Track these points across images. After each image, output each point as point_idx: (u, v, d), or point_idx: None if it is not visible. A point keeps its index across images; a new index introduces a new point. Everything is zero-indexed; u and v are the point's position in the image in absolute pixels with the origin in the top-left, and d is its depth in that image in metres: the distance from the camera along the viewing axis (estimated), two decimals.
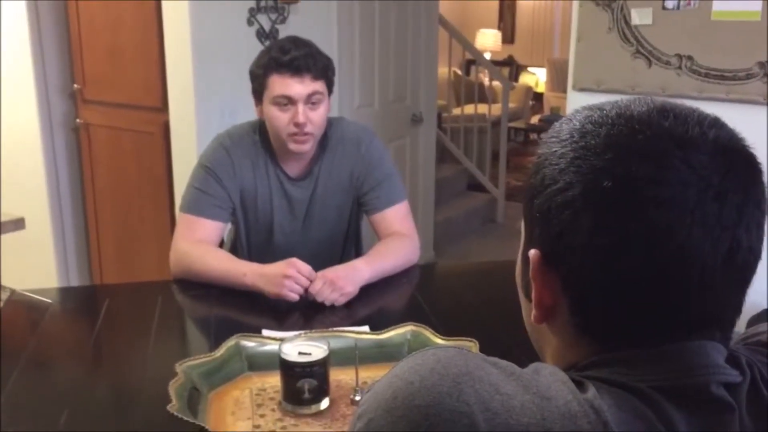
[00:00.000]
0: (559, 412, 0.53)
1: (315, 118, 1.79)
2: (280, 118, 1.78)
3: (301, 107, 1.76)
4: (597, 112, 0.61)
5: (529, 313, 0.65)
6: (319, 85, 1.78)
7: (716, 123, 0.59)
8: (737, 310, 0.60)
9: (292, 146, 1.81)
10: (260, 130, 1.88)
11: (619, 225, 0.55)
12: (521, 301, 0.70)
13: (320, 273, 1.67)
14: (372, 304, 1.72)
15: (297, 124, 1.76)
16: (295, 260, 1.67)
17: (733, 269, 0.56)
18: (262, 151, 1.88)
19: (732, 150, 0.58)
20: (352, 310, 1.66)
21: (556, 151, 0.60)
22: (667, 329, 0.57)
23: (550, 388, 0.55)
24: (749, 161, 0.58)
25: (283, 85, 1.75)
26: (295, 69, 1.74)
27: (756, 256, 0.58)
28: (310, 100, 1.77)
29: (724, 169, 0.55)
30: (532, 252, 0.62)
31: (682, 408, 0.55)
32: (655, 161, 0.55)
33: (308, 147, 1.83)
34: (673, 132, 0.57)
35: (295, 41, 1.80)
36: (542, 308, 0.63)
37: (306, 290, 1.65)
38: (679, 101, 0.61)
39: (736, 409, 0.56)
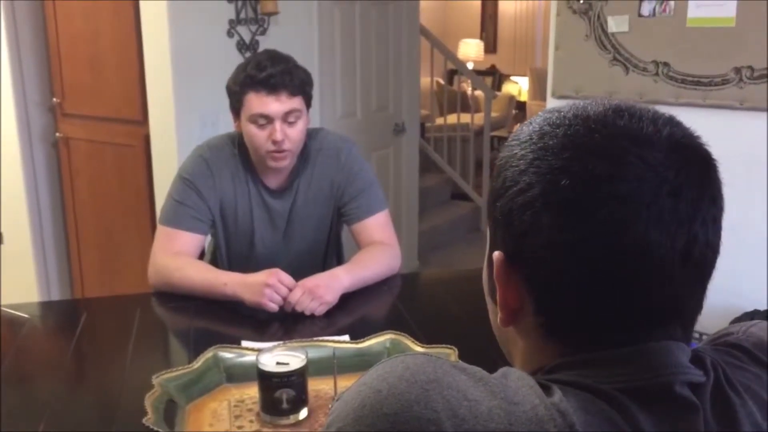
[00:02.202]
0: (526, 417, 0.53)
1: (293, 134, 1.78)
2: (258, 136, 1.77)
3: (278, 125, 1.75)
4: (555, 114, 0.62)
5: (496, 316, 0.66)
6: (297, 102, 1.77)
7: (671, 121, 0.60)
8: (698, 305, 0.60)
9: (271, 163, 1.81)
10: (239, 142, 1.87)
11: (577, 222, 0.56)
12: (488, 305, 0.70)
13: (300, 282, 1.67)
14: (353, 314, 1.71)
15: (275, 142, 1.76)
16: (277, 270, 1.66)
17: (691, 264, 0.57)
18: (242, 163, 1.87)
19: (686, 147, 0.59)
20: (332, 320, 1.65)
21: (516, 153, 0.61)
22: (629, 326, 0.58)
23: (518, 393, 0.55)
24: (704, 157, 0.59)
25: (260, 103, 1.74)
26: (271, 87, 1.73)
27: (714, 252, 0.58)
28: (288, 119, 1.77)
29: (678, 165, 0.56)
30: (496, 254, 0.62)
31: (647, 409, 0.55)
32: (611, 159, 0.56)
33: (287, 163, 1.83)
34: (628, 130, 0.58)
35: (272, 57, 1.78)
36: (508, 310, 0.63)
37: (285, 300, 1.64)
38: (656, 107, 0.62)
39: (701, 408, 0.56)
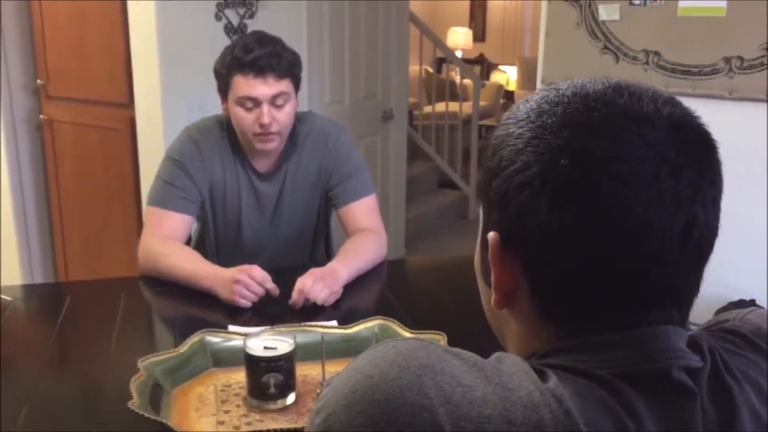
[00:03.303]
0: (521, 403, 0.52)
1: (280, 117, 1.76)
2: (245, 119, 1.75)
3: (266, 108, 1.73)
4: (553, 91, 0.61)
5: (488, 298, 0.64)
6: (285, 85, 1.75)
7: (671, 101, 0.59)
8: (695, 287, 0.59)
9: (258, 146, 1.79)
10: (227, 125, 1.85)
11: (577, 202, 0.55)
12: (480, 287, 0.69)
13: (308, 272, 1.63)
14: (341, 300, 1.70)
15: (262, 125, 1.74)
16: (248, 267, 1.61)
17: (690, 245, 0.56)
18: (230, 146, 1.85)
19: (687, 126, 0.58)
20: (320, 307, 1.64)
21: (512, 132, 0.60)
22: (626, 308, 0.57)
23: (512, 379, 0.54)
24: (704, 138, 0.58)
25: (247, 86, 1.72)
26: (258, 69, 1.70)
27: (713, 233, 0.58)
28: (275, 102, 1.74)
29: (679, 145, 0.55)
30: (491, 234, 0.61)
31: (643, 393, 0.54)
32: (612, 137, 0.55)
33: (274, 145, 1.80)
34: (629, 109, 0.57)
35: (260, 39, 1.75)
36: (502, 292, 0.62)
37: (263, 293, 1.59)
38: None
39: (698, 394, 0.56)
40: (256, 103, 1.73)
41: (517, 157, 0.58)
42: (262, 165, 1.87)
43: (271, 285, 1.60)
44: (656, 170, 0.54)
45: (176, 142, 1.86)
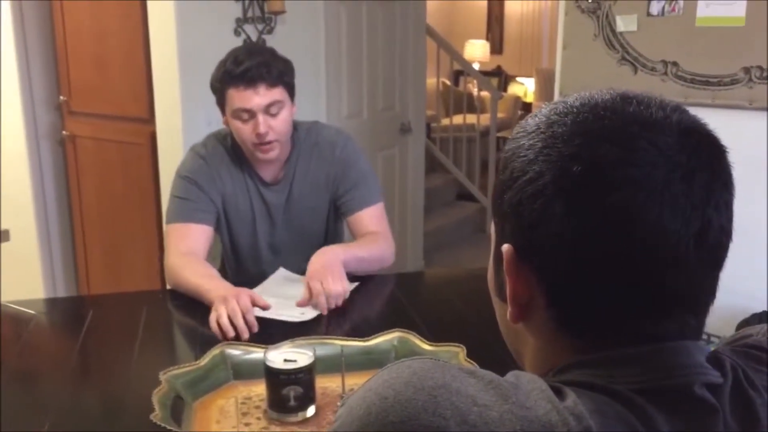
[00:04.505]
0: (539, 423, 0.52)
1: (276, 125, 1.78)
2: (242, 130, 1.78)
3: (261, 117, 1.75)
4: (561, 104, 0.61)
5: (504, 315, 0.64)
6: (277, 93, 1.77)
7: (678, 108, 0.59)
8: (711, 293, 0.59)
9: (259, 155, 1.82)
10: (231, 137, 1.88)
11: (590, 209, 0.55)
12: (495, 304, 0.68)
13: (308, 277, 1.66)
14: (360, 312, 1.70)
15: (258, 135, 1.76)
16: (229, 298, 1.55)
17: (705, 249, 0.56)
18: (237, 158, 1.89)
19: (696, 131, 0.58)
20: (340, 320, 1.64)
21: (523, 144, 0.60)
22: (642, 314, 0.56)
23: (530, 397, 0.54)
24: (713, 142, 0.59)
25: (240, 98, 1.75)
26: (248, 81, 1.73)
27: (727, 237, 0.58)
28: (270, 110, 1.77)
29: (690, 150, 0.56)
30: (505, 247, 0.60)
31: (664, 410, 0.54)
32: (623, 144, 0.55)
33: (275, 154, 1.83)
34: (638, 116, 0.57)
35: (250, 50, 1.79)
36: (518, 305, 0.61)
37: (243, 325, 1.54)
38: None
39: (720, 410, 0.55)
40: (251, 114, 1.76)
41: (529, 168, 0.58)
42: (268, 174, 1.90)
43: (250, 318, 1.53)
44: (669, 175, 0.54)
45: (184, 161, 1.91)
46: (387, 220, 1.97)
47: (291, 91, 1.83)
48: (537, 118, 0.61)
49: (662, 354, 0.56)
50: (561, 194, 0.56)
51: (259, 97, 1.74)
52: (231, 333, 1.50)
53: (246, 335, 1.50)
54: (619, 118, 0.57)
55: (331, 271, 1.67)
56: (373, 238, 1.89)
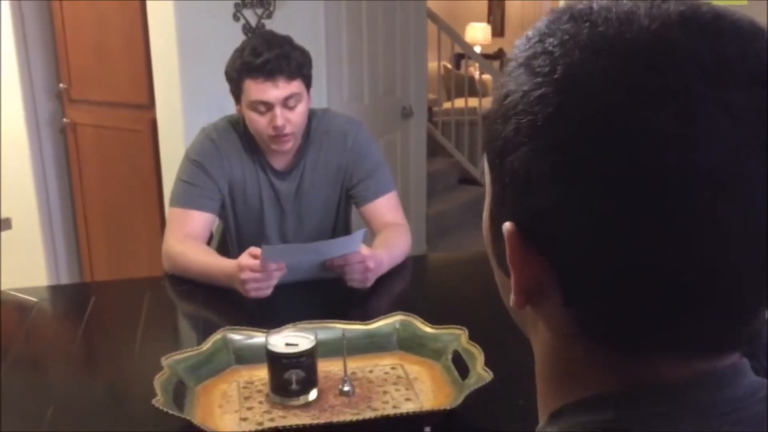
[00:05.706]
0: None
1: (294, 118, 1.77)
2: (258, 122, 1.77)
3: (278, 110, 1.74)
4: (586, 29, 0.43)
5: (507, 290, 0.49)
6: (296, 86, 1.75)
7: (761, 30, 0.42)
8: None
9: (275, 147, 1.81)
10: (244, 124, 1.86)
11: (634, 202, 0.40)
12: (495, 272, 0.53)
13: (368, 255, 1.67)
14: (361, 296, 1.70)
15: (276, 128, 1.75)
16: (244, 261, 1.60)
17: None
18: (248, 145, 1.87)
19: None
20: (342, 304, 1.65)
21: (533, 89, 0.43)
22: (691, 329, 0.43)
23: None
24: None
25: (258, 90, 1.73)
26: (268, 73, 1.71)
27: None
28: (288, 103, 1.75)
29: None
30: (507, 226, 0.45)
31: None
32: (678, 109, 0.39)
33: (290, 146, 1.82)
34: (706, 60, 0.40)
35: (268, 41, 1.75)
36: (523, 294, 0.47)
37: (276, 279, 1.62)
38: None
39: None
40: (269, 106, 1.74)
41: (543, 133, 0.42)
42: (279, 163, 1.89)
43: (273, 266, 1.59)
44: (739, 154, 0.39)
45: (194, 143, 1.88)
46: (401, 207, 1.97)
47: (308, 83, 1.81)
48: (555, 50, 0.43)
49: (734, 375, 0.44)
50: (592, 182, 0.41)
51: (277, 90, 1.72)
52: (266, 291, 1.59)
53: (284, 270, 1.60)
54: (680, 69, 0.40)
55: (376, 274, 1.70)
56: (400, 234, 1.88)
